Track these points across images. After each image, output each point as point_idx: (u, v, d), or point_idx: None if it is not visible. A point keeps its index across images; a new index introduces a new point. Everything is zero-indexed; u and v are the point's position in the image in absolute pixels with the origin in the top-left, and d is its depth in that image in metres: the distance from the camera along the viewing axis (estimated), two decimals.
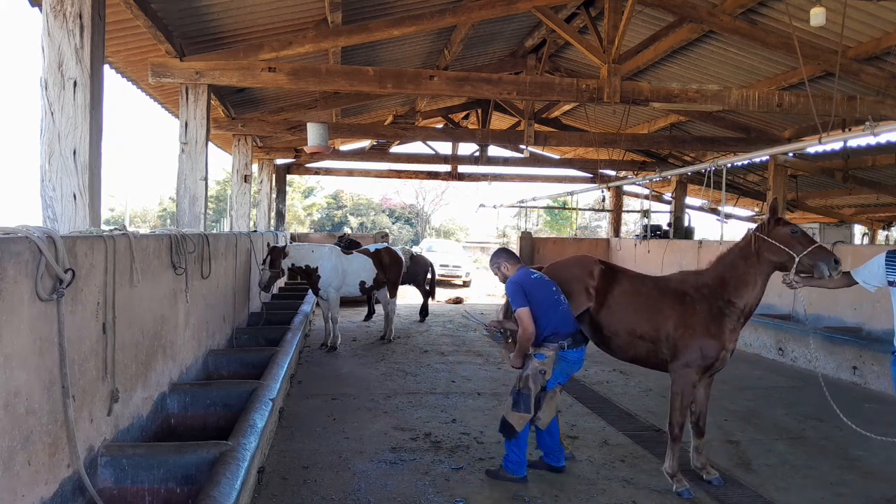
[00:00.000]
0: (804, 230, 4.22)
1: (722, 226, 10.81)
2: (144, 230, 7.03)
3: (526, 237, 17.07)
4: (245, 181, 11.27)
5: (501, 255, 4.59)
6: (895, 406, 6.19)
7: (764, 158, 11.25)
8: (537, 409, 4.19)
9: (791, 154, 11.77)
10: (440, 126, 15.42)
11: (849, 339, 7.67)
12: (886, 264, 3.94)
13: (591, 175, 17.86)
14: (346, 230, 28.35)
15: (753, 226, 4.55)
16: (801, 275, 4.09)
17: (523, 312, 4.16)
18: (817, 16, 6.28)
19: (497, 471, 4.34)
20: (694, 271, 4.61)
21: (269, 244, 9.39)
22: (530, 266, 4.66)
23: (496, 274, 4.61)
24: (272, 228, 15.25)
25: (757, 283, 4.23)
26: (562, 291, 4.44)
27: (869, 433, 4.19)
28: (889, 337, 4.24)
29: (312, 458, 4.60)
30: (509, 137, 13.59)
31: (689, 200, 17.10)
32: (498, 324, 4.56)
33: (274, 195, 16.06)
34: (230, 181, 12.10)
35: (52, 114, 4.14)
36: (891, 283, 3.91)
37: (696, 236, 15.73)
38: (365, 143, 16.64)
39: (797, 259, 4.05)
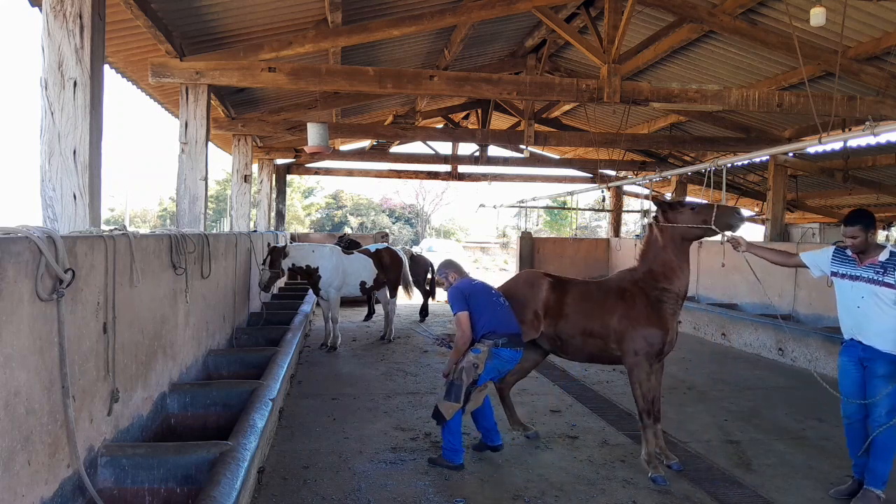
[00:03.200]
0: (694, 201, 4.69)
1: None
2: (144, 230, 7.03)
3: (526, 237, 17.05)
4: (245, 181, 11.26)
5: (450, 266, 4.92)
6: None
7: (764, 158, 11.24)
8: (467, 400, 4.40)
9: (791, 154, 11.77)
10: (440, 126, 15.41)
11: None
12: (833, 257, 4.23)
13: (591, 175, 17.85)
14: (347, 230, 28.35)
15: (647, 220, 4.93)
16: (728, 234, 4.48)
17: (462, 316, 4.50)
18: (817, 16, 6.28)
19: (437, 458, 4.56)
20: (629, 269, 4.92)
21: (269, 244, 9.40)
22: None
23: (444, 283, 4.89)
24: (272, 228, 15.24)
25: (683, 267, 4.59)
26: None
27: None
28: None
29: (312, 458, 4.60)
30: (509, 137, 13.57)
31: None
32: (448, 337, 4.73)
33: (274, 195, 16.04)
34: (230, 181, 12.09)
35: (52, 114, 4.13)
36: (833, 274, 4.21)
37: None
38: (365, 143, 16.63)
39: (713, 226, 4.43)
